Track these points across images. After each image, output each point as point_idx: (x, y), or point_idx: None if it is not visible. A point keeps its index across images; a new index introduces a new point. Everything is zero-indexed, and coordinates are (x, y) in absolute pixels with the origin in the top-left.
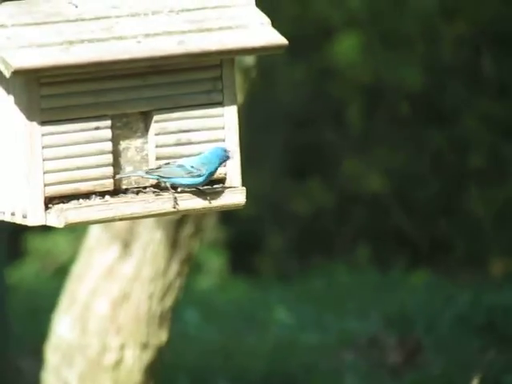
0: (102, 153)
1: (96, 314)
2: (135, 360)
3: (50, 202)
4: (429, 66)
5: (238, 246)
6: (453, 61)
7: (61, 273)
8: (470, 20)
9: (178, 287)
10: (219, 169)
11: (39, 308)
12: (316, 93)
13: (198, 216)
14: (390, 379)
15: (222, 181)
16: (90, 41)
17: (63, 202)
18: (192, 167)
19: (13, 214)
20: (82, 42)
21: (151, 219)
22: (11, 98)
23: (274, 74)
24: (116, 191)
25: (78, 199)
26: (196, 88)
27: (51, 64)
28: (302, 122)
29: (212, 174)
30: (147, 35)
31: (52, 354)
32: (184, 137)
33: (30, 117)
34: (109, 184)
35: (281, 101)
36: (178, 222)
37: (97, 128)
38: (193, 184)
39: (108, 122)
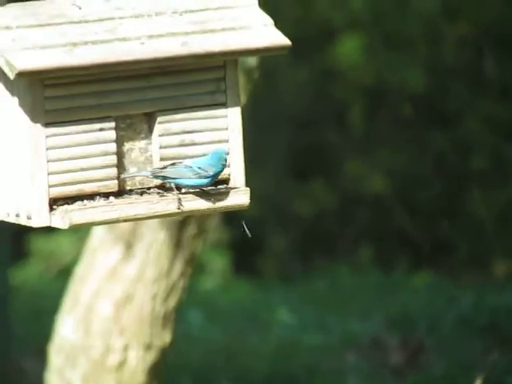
0: (106, 154)
1: (99, 315)
2: (139, 361)
3: (54, 203)
4: (431, 68)
5: (241, 247)
6: (455, 62)
7: (64, 274)
8: (472, 21)
9: (182, 288)
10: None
11: (42, 309)
12: (319, 94)
13: (201, 217)
14: (392, 380)
15: (225, 181)
16: (94, 42)
17: (68, 204)
18: (199, 168)
19: (17, 216)
20: (86, 43)
21: (154, 220)
22: (15, 100)
23: (276, 76)
24: (120, 192)
25: (83, 200)
26: (199, 89)
27: (55, 66)
28: (305, 124)
29: (218, 175)
30: (151, 36)
31: (55, 355)
32: (188, 138)
33: (34, 118)
34: (113, 185)
35: (283, 102)
36: (181, 223)
37: (101, 129)
38: (199, 185)
39: (112, 124)
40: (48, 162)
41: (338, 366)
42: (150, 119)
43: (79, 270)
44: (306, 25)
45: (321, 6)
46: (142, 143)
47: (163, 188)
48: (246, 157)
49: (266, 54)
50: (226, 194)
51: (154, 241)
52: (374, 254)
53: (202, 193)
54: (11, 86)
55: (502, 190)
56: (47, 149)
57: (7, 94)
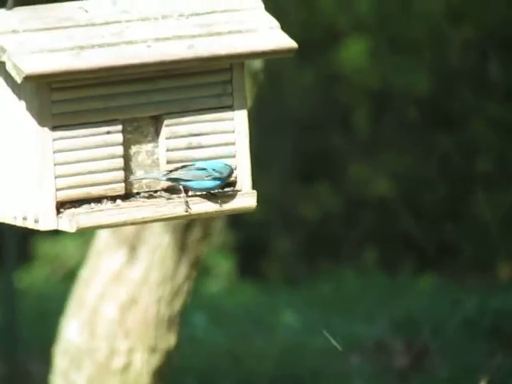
0: (113, 157)
1: (104, 318)
2: (143, 364)
3: (61, 206)
4: (436, 71)
5: (246, 250)
6: (460, 65)
7: (70, 277)
8: (476, 24)
9: (186, 291)
10: None
11: (48, 312)
12: (324, 97)
13: (206, 220)
14: (397, 383)
15: (232, 184)
16: (101, 46)
17: (74, 207)
18: (214, 170)
19: (24, 219)
20: (93, 46)
21: (159, 223)
22: (22, 104)
23: (281, 79)
24: (127, 195)
25: (90, 203)
26: (206, 92)
27: (62, 69)
28: (310, 127)
29: (229, 177)
30: (157, 39)
31: (61, 357)
32: (195, 140)
33: (42, 122)
34: (120, 188)
35: (288, 105)
36: (185, 226)
37: (108, 132)
38: (211, 187)
39: (119, 127)
40: (55, 165)
41: (343, 368)
42: (156, 122)
43: (84, 273)
44: (312, 28)
45: (326, 10)
46: (148, 146)
47: (170, 191)
48: (252, 160)
49: (273, 57)
50: (232, 196)
51: (159, 244)
52: (379, 257)
53: (209, 195)
54: (18, 89)
55: (506, 193)
56: (54, 152)
57: (14, 97)
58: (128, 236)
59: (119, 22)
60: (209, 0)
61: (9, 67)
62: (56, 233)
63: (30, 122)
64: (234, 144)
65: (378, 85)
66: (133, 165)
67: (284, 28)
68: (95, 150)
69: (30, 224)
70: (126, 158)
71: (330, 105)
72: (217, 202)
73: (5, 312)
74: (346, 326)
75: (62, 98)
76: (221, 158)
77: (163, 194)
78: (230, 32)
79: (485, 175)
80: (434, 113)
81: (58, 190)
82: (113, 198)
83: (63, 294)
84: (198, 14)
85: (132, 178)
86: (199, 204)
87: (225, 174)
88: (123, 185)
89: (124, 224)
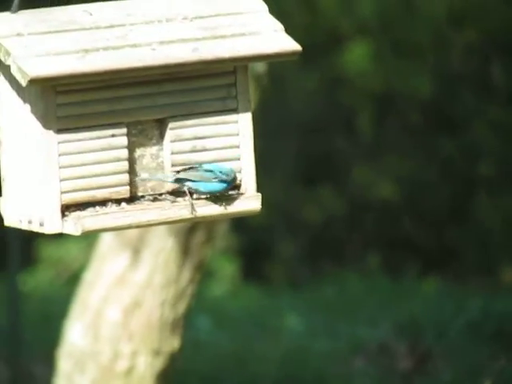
0: (118, 160)
1: (108, 321)
2: (147, 367)
3: (66, 209)
4: (439, 74)
5: (249, 254)
6: (462, 69)
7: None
8: (479, 28)
9: (190, 294)
10: None
11: (52, 315)
12: (327, 101)
13: (210, 223)
14: None
15: (237, 187)
16: (105, 49)
17: (80, 210)
18: (221, 172)
19: (30, 222)
20: (98, 50)
21: (163, 227)
22: (27, 107)
23: (285, 82)
24: (132, 198)
25: (95, 207)
26: (210, 95)
27: (67, 72)
28: (314, 130)
29: (234, 180)
30: (162, 43)
31: (64, 360)
32: (199, 143)
33: (47, 125)
34: (125, 191)
35: (292, 109)
36: (189, 230)
37: (112, 135)
38: (218, 190)
39: (124, 130)
40: (60, 168)
41: (347, 371)
42: (161, 125)
43: (88, 277)
44: (315, 31)
45: (329, 13)
46: (153, 149)
47: (175, 194)
48: (256, 163)
49: (277, 60)
50: (237, 199)
51: (163, 247)
52: (382, 261)
53: (213, 198)
54: (23, 92)
55: (509, 196)
56: (59, 155)
57: (19, 100)
58: (132, 239)
59: (124, 25)
60: (213, 3)
61: (14, 70)
62: (60, 236)
63: (35, 125)
64: (238, 147)
65: (381, 88)
66: (137, 168)
67: (287, 31)
68: (100, 152)
69: (35, 227)
70: (131, 161)
71: (333, 108)
72: (222, 205)
73: (9, 315)
74: (349, 329)
75: (67, 101)
76: (225, 161)
77: (168, 197)
78: (233, 35)
79: (487, 179)
80: (436, 116)
81: (62, 192)
82: (118, 201)
83: (67, 297)
84: (202, 17)
85: (138, 178)
86: (204, 207)
87: (231, 176)
88: (128, 188)
89: (129, 227)
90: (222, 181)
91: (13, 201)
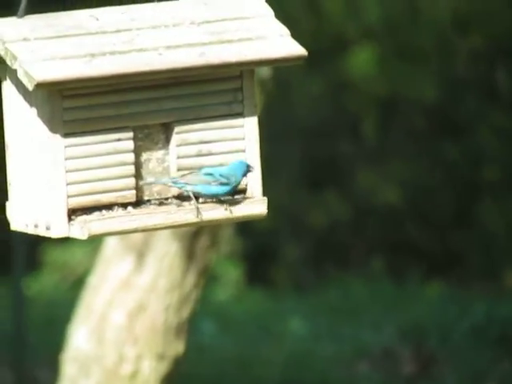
0: (124, 164)
1: (112, 325)
2: (152, 371)
3: (73, 213)
4: (443, 79)
5: (254, 258)
6: (467, 74)
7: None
8: (484, 33)
9: (195, 299)
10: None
11: (56, 319)
12: (332, 105)
13: (214, 228)
14: None
15: (243, 191)
16: (112, 53)
17: (86, 214)
18: (221, 176)
19: (36, 226)
20: (104, 54)
21: (167, 231)
22: (34, 111)
23: (290, 87)
24: (138, 202)
25: (101, 211)
26: (217, 99)
27: (74, 77)
28: (318, 135)
29: (238, 185)
30: (168, 47)
31: (69, 364)
32: (205, 148)
33: (53, 129)
34: (131, 195)
35: (297, 113)
36: (193, 234)
37: (119, 139)
38: (219, 193)
39: (130, 134)
40: (66, 172)
41: (351, 375)
42: (167, 129)
43: (92, 281)
44: (320, 36)
45: (334, 18)
46: (159, 153)
47: (181, 198)
48: (262, 167)
49: (283, 64)
50: (243, 203)
51: (167, 252)
52: (386, 265)
53: (219, 202)
54: (30, 96)
55: None
56: (66, 159)
57: (26, 104)
58: (136, 243)
59: (130, 29)
60: (219, 8)
61: (20, 75)
62: (65, 240)
63: (42, 129)
64: (244, 151)
65: (386, 93)
66: (144, 172)
67: (293, 36)
68: (106, 157)
69: (41, 231)
70: (137, 165)
71: (338, 112)
72: (227, 209)
73: (13, 319)
74: (353, 333)
75: (74, 106)
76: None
77: (174, 201)
78: (240, 39)
79: (492, 183)
80: (441, 121)
81: (69, 196)
82: (124, 205)
83: (72, 301)
84: (208, 22)
85: (141, 182)
86: (210, 211)
87: (232, 180)
88: (134, 192)
89: (135, 231)
90: (222, 184)
91: (19, 205)
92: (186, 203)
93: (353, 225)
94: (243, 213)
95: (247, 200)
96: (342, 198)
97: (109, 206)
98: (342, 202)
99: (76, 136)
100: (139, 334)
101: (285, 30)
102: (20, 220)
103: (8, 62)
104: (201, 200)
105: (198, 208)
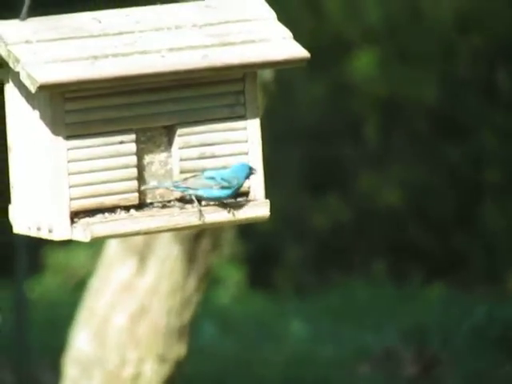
0: (127, 167)
1: (114, 328)
2: (153, 373)
3: (75, 216)
4: (445, 81)
5: (256, 260)
6: (469, 75)
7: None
8: (485, 35)
9: (196, 301)
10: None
11: (59, 321)
12: (334, 108)
13: (216, 231)
14: None
15: (245, 194)
16: (115, 55)
17: (89, 216)
18: (222, 179)
19: (39, 229)
20: (107, 56)
21: (169, 234)
22: (36, 113)
23: (292, 89)
24: (141, 205)
25: (103, 213)
26: (219, 102)
27: (77, 79)
28: (320, 137)
29: (240, 187)
30: (171, 49)
31: (71, 366)
32: (208, 150)
33: (55, 131)
34: (133, 198)
35: (299, 115)
36: (195, 237)
37: (121, 142)
38: (221, 197)
39: (132, 136)
40: (69, 174)
41: (352, 377)
42: (169, 132)
43: (94, 283)
44: (322, 39)
45: (336, 20)
46: (161, 156)
47: (183, 201)
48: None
49: (285, 67)
50: (246, 206)
51: (168, 255)
52: (388, 267)
53: (222, 205)
54: (32, 99)
55: None
56: (68, 161)
57: (28, 107)
58: (138, 246)
59: (132, 32)
60: (222, 10)
61: (23, 77)
62: (67, 243)
63: (44, 131)
64: (246, 154)
65: (388, 94)
66: (146, 175)
67: (295, 38)
68: (109, 159)
69: (44, 234)
70: (140, 167)
71: (339, 115)
72: (230, 212)
73: (16, 321)
74: (355, 335)
75: (76, 108)
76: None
77: (177, 203)
78: (242, 42)
79: (494, 185)
80: (442, 122)
81: (72, 199)
82: (126, 208)
83: (74, 303)
84: (211, 24)
85: (143, 187)
86: (212, 214)
87: (234, 183)
88: (137, 195)
89: (138, 233)
90: (223, 187)
91: (22, 208)
92: (188, 206)
93: (355, 227)
94: (246, 215)
95: (250, 202)
96: (344, 201)
97: (111, 209)
98: (343, 205)
99: (78, 138)
100: (141, 337)
101: (287, 33)
102: (22, 223)
103: (11, 65)
104: (203, 203)
105: (200, 210)
